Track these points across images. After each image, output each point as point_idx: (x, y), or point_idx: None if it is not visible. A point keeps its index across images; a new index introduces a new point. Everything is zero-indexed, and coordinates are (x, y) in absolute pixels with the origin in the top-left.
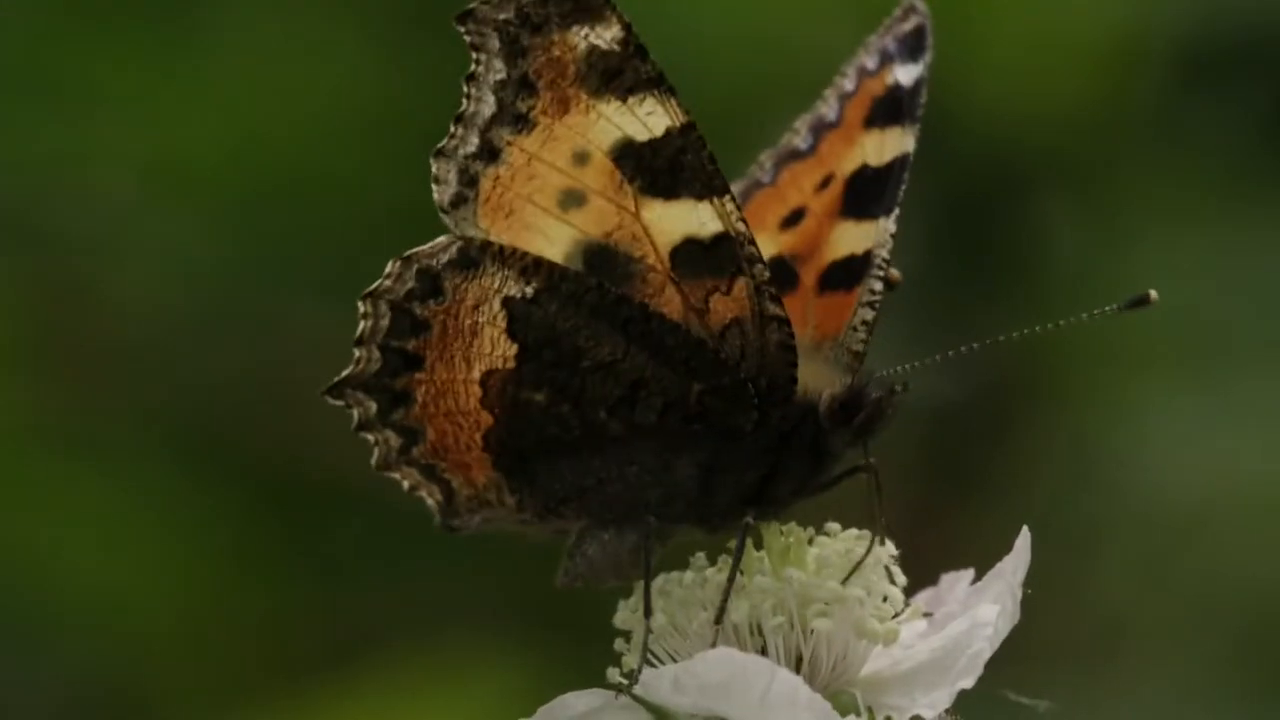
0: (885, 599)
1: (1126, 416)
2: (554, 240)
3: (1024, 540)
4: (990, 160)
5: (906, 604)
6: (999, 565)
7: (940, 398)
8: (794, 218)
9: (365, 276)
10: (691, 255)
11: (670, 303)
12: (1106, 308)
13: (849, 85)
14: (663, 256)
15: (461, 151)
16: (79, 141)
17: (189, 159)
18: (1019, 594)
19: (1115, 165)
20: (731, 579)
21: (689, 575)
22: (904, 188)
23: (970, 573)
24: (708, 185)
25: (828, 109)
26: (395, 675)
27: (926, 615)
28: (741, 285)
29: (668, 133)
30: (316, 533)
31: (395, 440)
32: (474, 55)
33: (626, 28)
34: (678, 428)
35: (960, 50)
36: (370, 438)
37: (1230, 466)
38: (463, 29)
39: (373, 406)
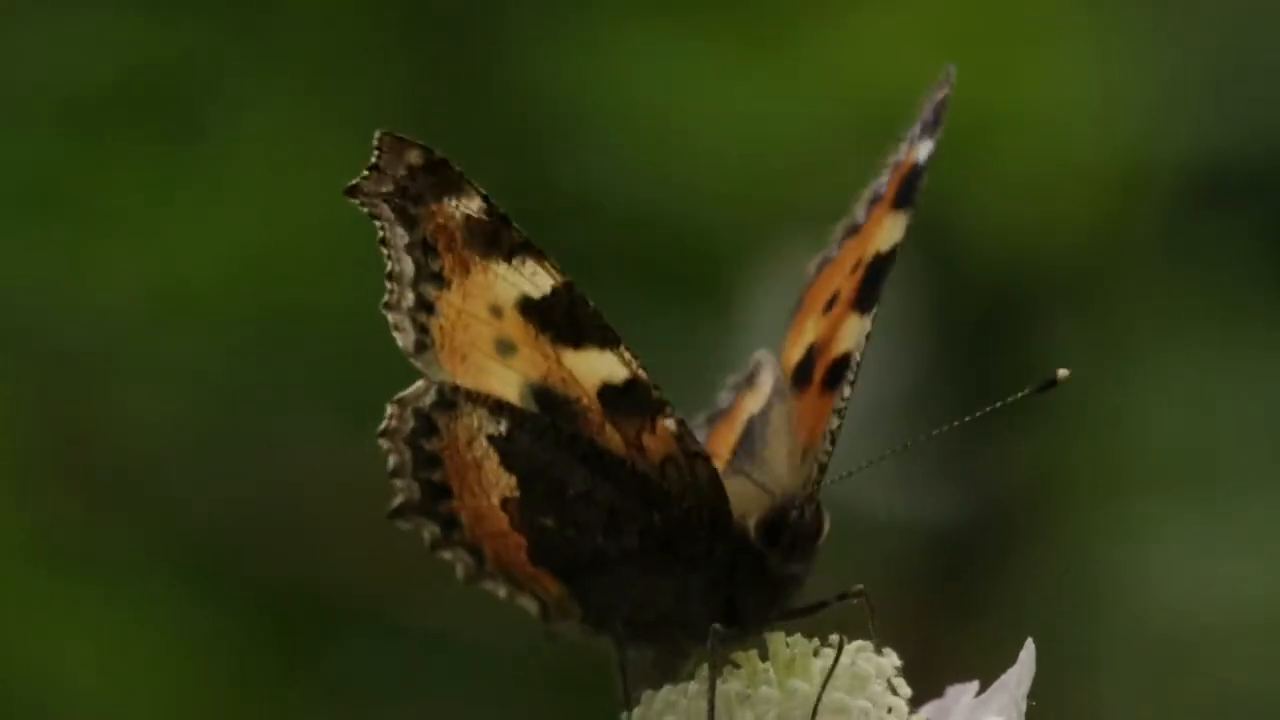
0: (890, 710)
1: (1130, 535)
2: (506, 383)
3: (1028, 652)
4: (996, 281)
5: (912, 715)
6: (1003, 677)
7: (945, 513)
8: (831, 302)
9: (367, 397)
10: (613, 398)
11: (613, 439)
12: (1020, 393)
13: (902, 153)
14: (592, 398)
15: (404, 305)
16: (84, 260)
17: (194, 279)
18: (1023, 706)
19: (1121, 287)
20: (712, 689)
21: (693, 686)
22: (887, 282)
23: (975, 684)
24: (602, 338)
25: (880, 180)
26: None
27: None
28: (662, 426)
29: (554, 290)
30: (319, 653)
31: (468, 557)
32: (376, 222)
33: (485, 199)
34: (654, 553)
35: (968, 172)
36: (446, 556)
37: (1234, 587)
38: (355, 202)
39: (435, 528)
